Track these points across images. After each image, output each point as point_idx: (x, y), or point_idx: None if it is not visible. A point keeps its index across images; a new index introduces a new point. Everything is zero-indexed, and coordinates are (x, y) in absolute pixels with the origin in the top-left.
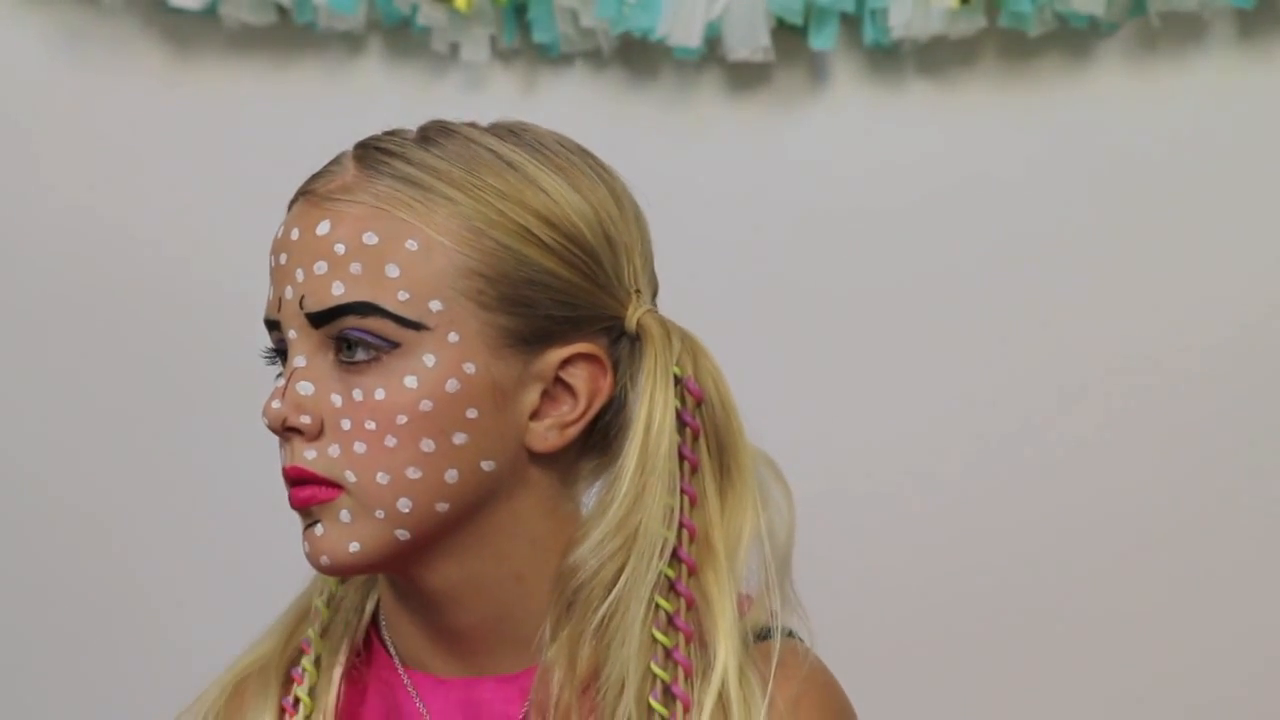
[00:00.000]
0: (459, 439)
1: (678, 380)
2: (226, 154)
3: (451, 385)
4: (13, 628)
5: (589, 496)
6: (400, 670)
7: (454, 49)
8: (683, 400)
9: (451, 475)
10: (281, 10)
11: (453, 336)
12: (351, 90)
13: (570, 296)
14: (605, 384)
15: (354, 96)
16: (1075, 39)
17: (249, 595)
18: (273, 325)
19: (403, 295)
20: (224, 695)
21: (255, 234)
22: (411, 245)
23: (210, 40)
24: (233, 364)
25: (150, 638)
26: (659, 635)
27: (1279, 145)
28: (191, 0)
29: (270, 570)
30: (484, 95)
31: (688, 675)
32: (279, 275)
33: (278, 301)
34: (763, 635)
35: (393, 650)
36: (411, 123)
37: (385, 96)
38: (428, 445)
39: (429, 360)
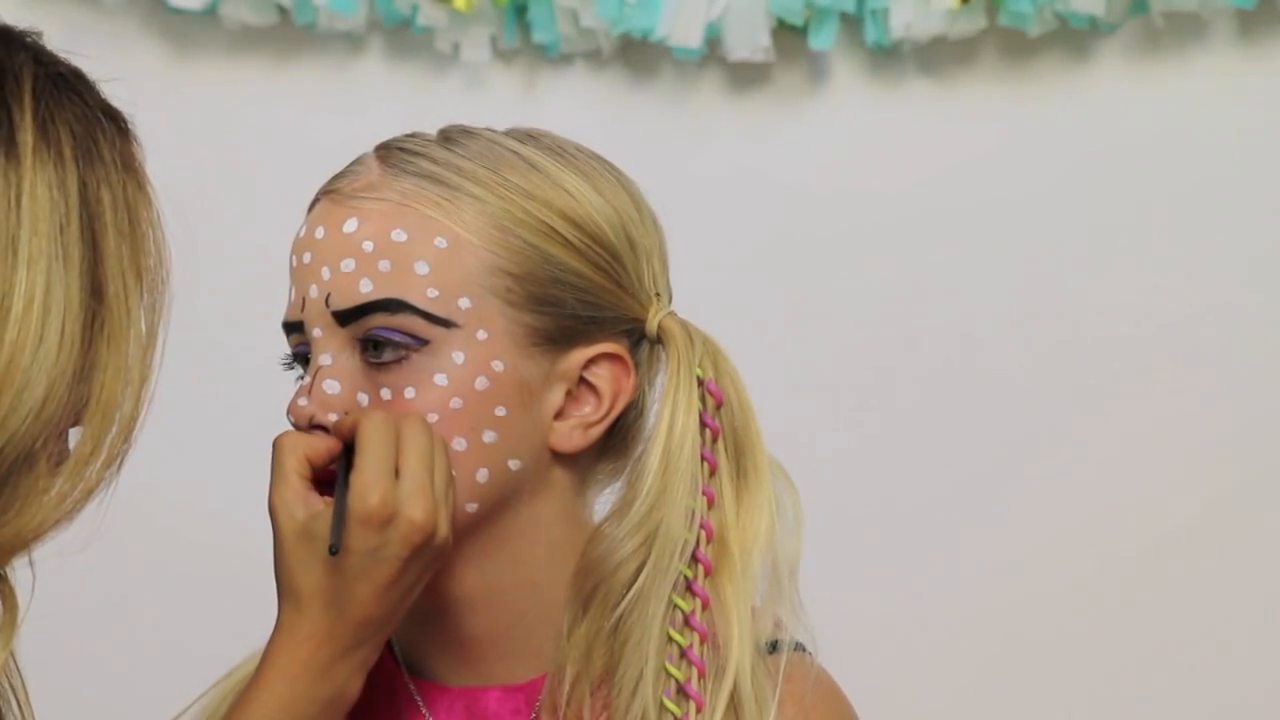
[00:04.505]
0: (489, 437)
1: (700, 383)
2: (227, 154)
3: (481, 383)
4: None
5: (601, 502)
6: (406, 677)
7: (454, 49)
8: (703, 402)
9: (482, 474)
10: (281, 10)
11: (481, 334)
12: (351, 90)
13: (595, 296)
14: (629, 384)
15: (354, 96)
16: (1075, 39)
17: (250, 598)
18: (292, 328)
19: (432, 292)
20: (226, 700)
21: (256, 234)
22: (440, 243)
23: (210, 40)
24: (234, 364)
25: (148, 640)
26: (675, 634)
27: (1279, 145)
28: (191, 0)
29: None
30: (484, 95)
31: (701, 675)
32: (302, 275)
33: (301, 302)
34: (770, 647)
35: (399, 657)
36: (413, 123)
37: (385, 96)
38: (459, 444)
39: (458, 358)
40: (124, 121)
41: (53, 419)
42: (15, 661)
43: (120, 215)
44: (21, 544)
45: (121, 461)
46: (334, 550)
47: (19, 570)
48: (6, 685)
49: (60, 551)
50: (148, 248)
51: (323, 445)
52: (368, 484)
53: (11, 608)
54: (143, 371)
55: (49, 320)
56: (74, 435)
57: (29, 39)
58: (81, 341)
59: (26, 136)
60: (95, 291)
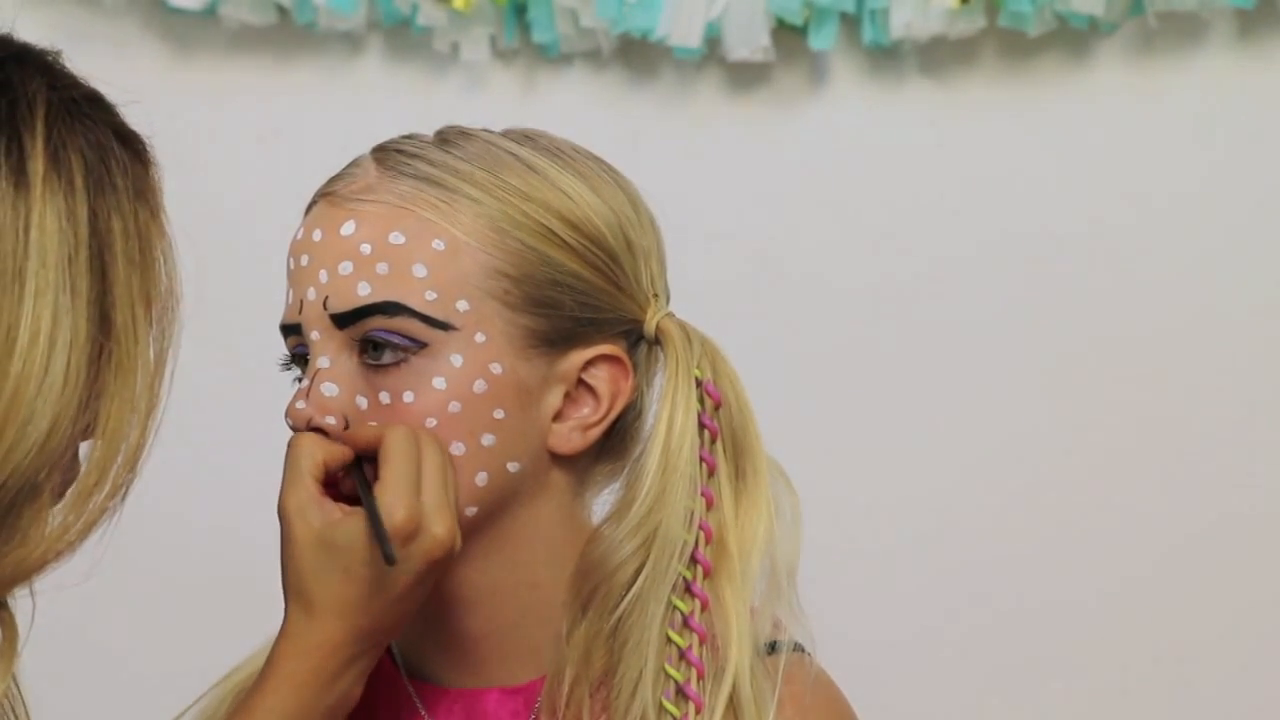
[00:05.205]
0: (487, 440)
1: (698, 384)
2: (227, 154)
3: (479, 386)
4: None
5: (599, 504)
6: (405, 680)
7: (454, 49)
8: (702, 403)
9: (481, 478)
10: (281, 10)
11: (479, 337)
12: (351, 90)
13: (593, 298)
14: (627, 385)
15: (354, 96)
16: (1075, 39)
17: (250, 600)
18: (290, 330)
19: (430, 295)
20: (224, 704)
21: (256, 234)
22: (438, 245)
23: (210, 40)
24: (235, 367)
25: (147, 643)
26: (674, 636)
27: (1278, 145)
28: (191, 0)
29: (272, 576)
30: (484, 95)
31: (700, 676)
32: (300, 277)
33: (298, 304)
34: (769, 648)
35: (398, 659)
36: (413, 123)
37: (385, 96)
38: (458, 448)
39: (456, 360)
40: (140, 145)
41: (57, 451)
42: (18, 686)
43: (131, 244)
44: (24, 575)
45: (126, 491)
46: (392, 561)
47: (19, 597)
48: (9, 710)
49: (61, 585)
50: (158, 276)
51: (338, 452)
52: (394, 499)
53: (12, 636)
54: (150, 401)
55: (55, 354)
56: (84, 448)
57: (48, 58)
58: (88, 374)
59: (37, 165)
60: (103, 323)
